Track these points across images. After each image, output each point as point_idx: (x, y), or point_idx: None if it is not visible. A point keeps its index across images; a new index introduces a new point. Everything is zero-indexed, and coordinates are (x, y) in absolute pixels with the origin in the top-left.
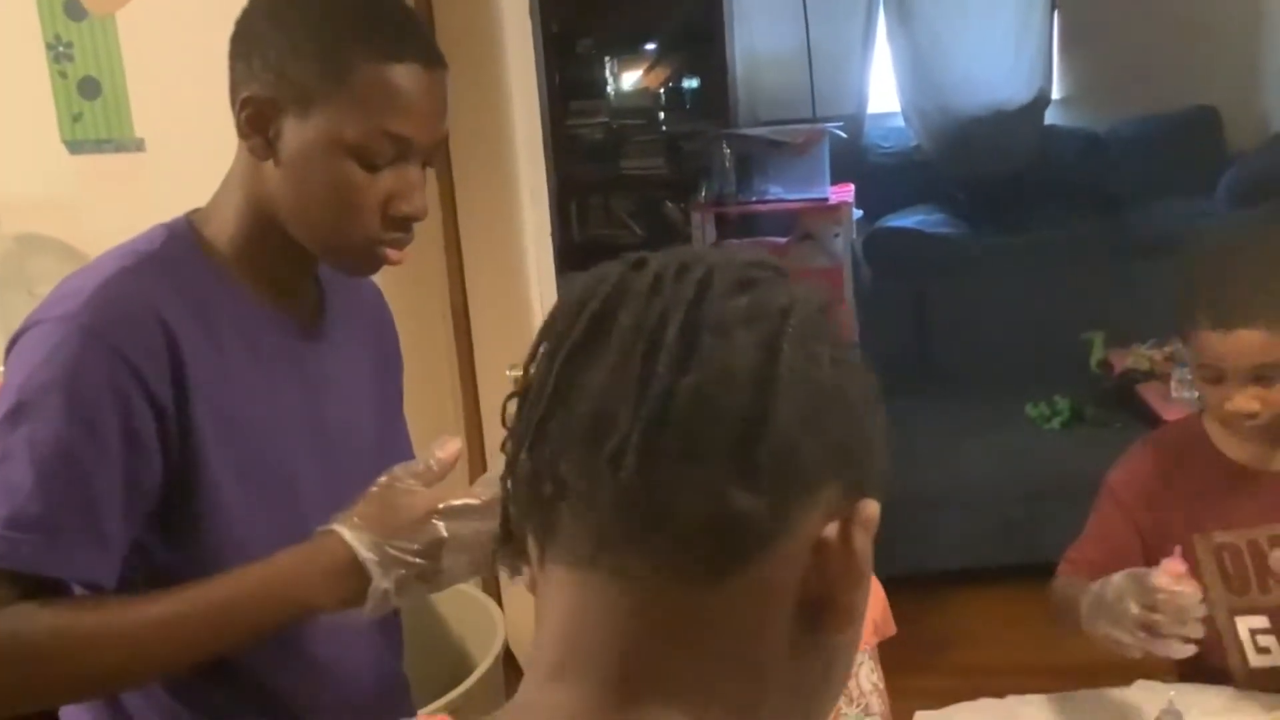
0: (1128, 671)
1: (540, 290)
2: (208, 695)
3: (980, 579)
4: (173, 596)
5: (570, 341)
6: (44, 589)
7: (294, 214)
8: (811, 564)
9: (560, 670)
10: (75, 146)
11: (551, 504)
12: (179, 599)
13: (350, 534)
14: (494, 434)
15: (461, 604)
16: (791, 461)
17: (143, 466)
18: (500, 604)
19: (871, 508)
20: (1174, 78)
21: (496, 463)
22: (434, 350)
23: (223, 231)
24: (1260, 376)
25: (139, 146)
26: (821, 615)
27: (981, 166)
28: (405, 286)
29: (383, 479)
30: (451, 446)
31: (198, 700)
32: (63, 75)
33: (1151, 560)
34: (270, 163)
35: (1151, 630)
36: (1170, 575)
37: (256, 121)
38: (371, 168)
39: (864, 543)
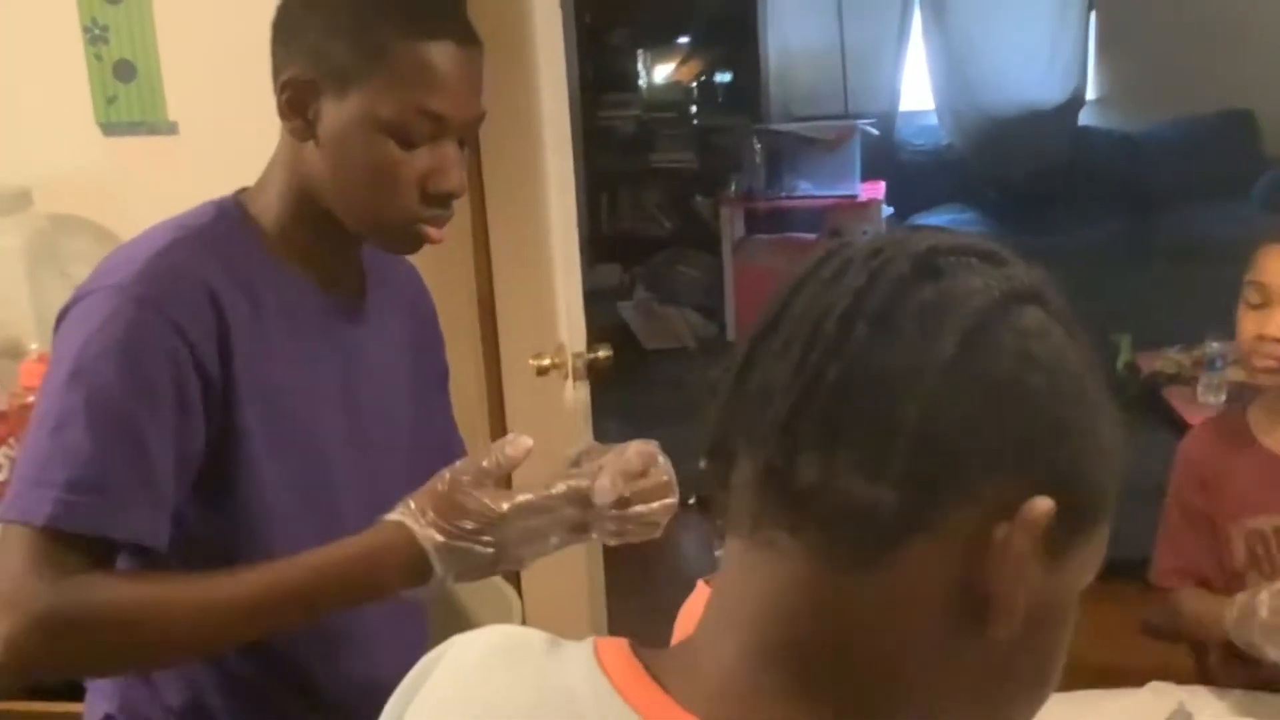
0: (1143, 673)
1: (565, 281)
2: (232, 665)
3: None
4: (254, 576)
5: (759, 323)
6: (102, 552)
7: (335, 193)
8: (968, 561)
9: (720, 623)
10: (109, 129)
11: (726, 475)
12: (261, 579)
13: (417, 528)
14: (515, 421)
15: (479, 589)
16: (933, 459)
17: (191, 433)
18: (519, 590)
19: (1038, 506)
20: (1210, 80)
21: (564, 453)
22: (458, 338)
23: (268, 211)
24: None
25: (172, 130)
26: (981, 615)
27: (1014, 166)
28: (430, 274)
29: (451, 470)
30: (521, 444)
31: (221, 669)
32: (98, 58)
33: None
34: (311, 144)
35: None
36: None
37: (296, 103)
38: (409, 145)
39: (1024, 541)
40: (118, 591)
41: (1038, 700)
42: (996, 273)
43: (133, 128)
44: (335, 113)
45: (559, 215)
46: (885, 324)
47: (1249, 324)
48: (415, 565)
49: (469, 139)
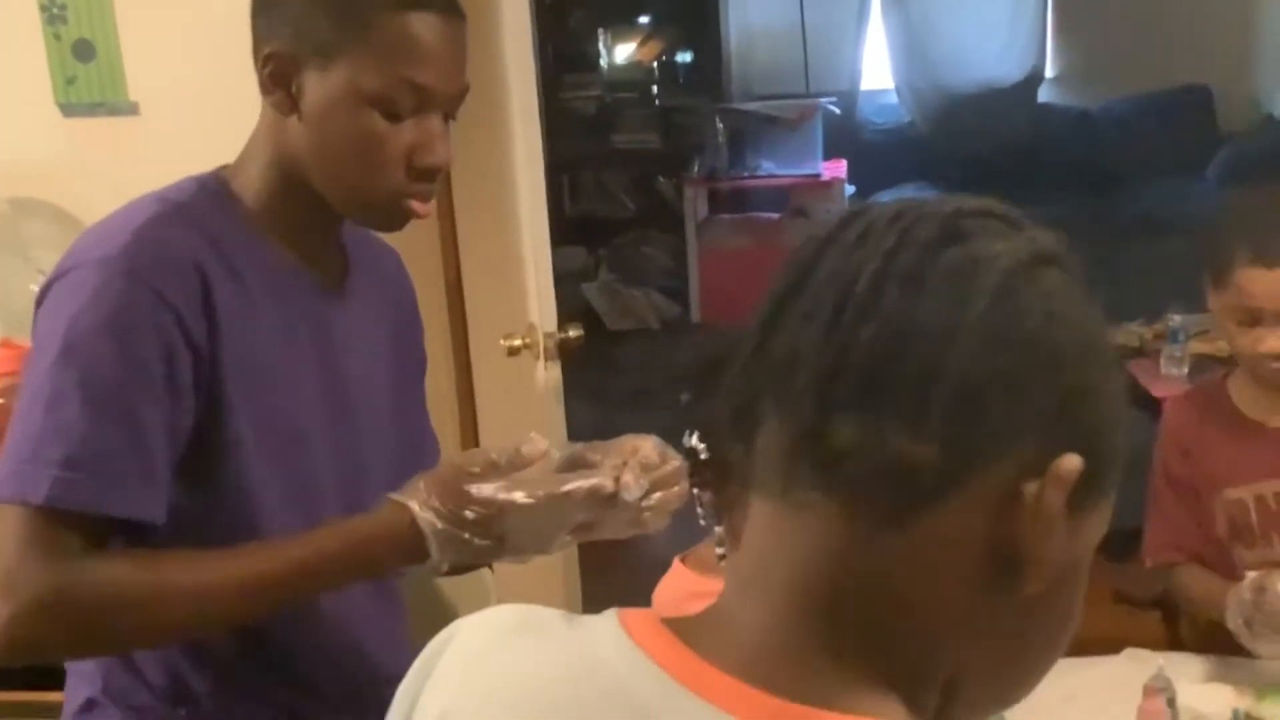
0: (1116, 642)
1: (535, 261)
2: (213, 646)
3: None
4: (251, 555)
5: (780, 287)
6: (99, 531)
7: (319, 168)
8: (1000, 518)
9: (750, 586)
10: (69, 110)
11: (750, 438)
12: (258, 558)
13: (418, 509)
14: (486, 403)
15: None
16: (972, 416)
17: (181, 408)
18: (490, 567)
19: (1068, 463)
20: (1167, 56)
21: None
22: (426, 320)
23: (249, 187)
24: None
25: (133, 110)
26: (1012, 571)
27: (974, 143)
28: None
29: (461, 457)
30: (538, 446)
31: (203, 651)
32: (57, 38)
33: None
34: (294, 118)
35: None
36: None
37: (279, 77)
38: (394, 118)
39: (1055, 497)
40: (119, 572)
41: (1055, 655)
42: (1019, 236)
43: (93, 109)
44: (319, 86)
45: (528, 194)
46: (916, 285)
47: (1244, 341)
48: (412, 546)
49: (453, 113)
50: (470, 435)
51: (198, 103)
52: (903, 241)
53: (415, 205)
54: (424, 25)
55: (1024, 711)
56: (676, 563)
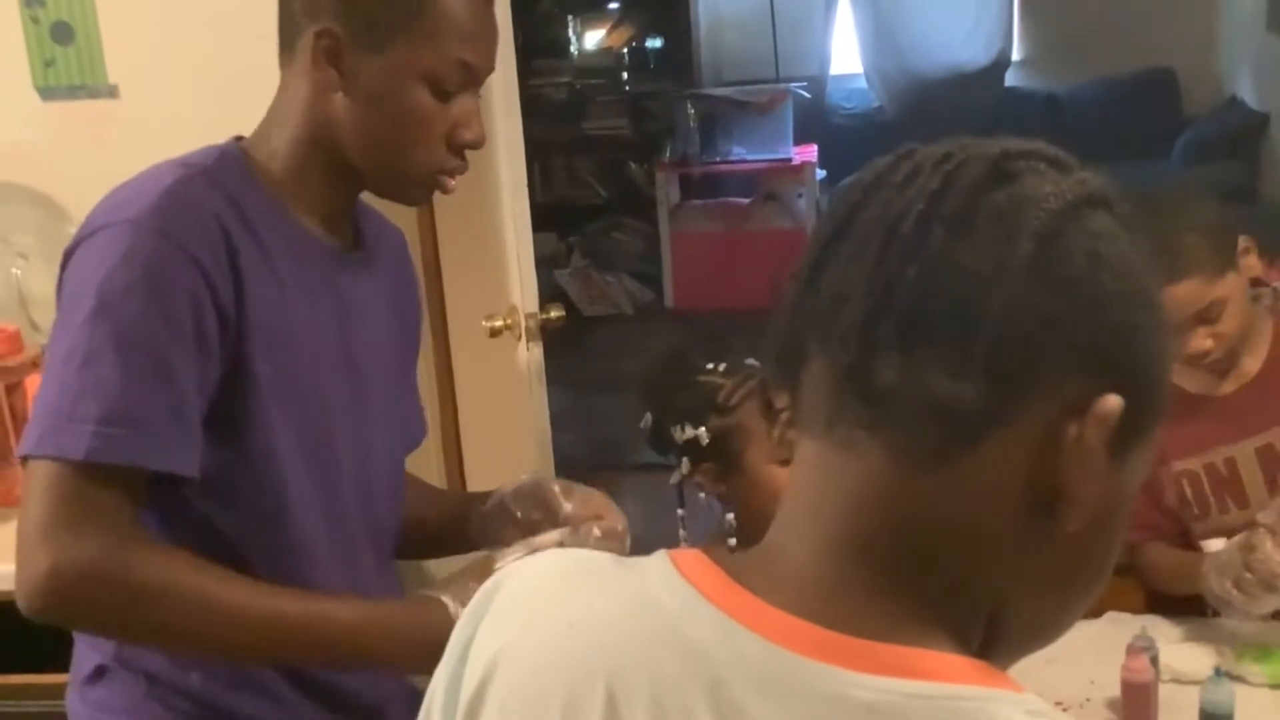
0: (1096, 607)
1: (517, 242)
2: None
3: None
4: (281, 594)
5: (828, 228)
6: (137, 486)
7: (362, 143)
8: (1041, 456)
9: (798, 523)
10: (48, 93)
11: (798, 376)
12: (286, 598)
13: (453, 607)
14: (466, 385)
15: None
16: (1015, 356)
17: (209, 367)
18: None
19: (1109, 403)
20: (1132, 40)
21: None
22: None
23: (274, 158)
24: (1205, 318)
25: (113, 93)
26: (1053, 508)
27: (942, 127)
28: None
29: (503, 553)
30: (610, 525)
31: None
32: (35, 20)
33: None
34: (339, 95)
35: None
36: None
37: (331, 54)
38: (443, 96)
39: (1095, 437)
40: (177, 567)
41: (1096, 591)
42: (1066, 178)
43: (72, 92)
44: (371, 65)
45: (509, 175)
46: (962, 226)
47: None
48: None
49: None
50: (450, 417)
51: (177, 86)
52: (949, 182)
53: (448, 180)
54: (471, 6)
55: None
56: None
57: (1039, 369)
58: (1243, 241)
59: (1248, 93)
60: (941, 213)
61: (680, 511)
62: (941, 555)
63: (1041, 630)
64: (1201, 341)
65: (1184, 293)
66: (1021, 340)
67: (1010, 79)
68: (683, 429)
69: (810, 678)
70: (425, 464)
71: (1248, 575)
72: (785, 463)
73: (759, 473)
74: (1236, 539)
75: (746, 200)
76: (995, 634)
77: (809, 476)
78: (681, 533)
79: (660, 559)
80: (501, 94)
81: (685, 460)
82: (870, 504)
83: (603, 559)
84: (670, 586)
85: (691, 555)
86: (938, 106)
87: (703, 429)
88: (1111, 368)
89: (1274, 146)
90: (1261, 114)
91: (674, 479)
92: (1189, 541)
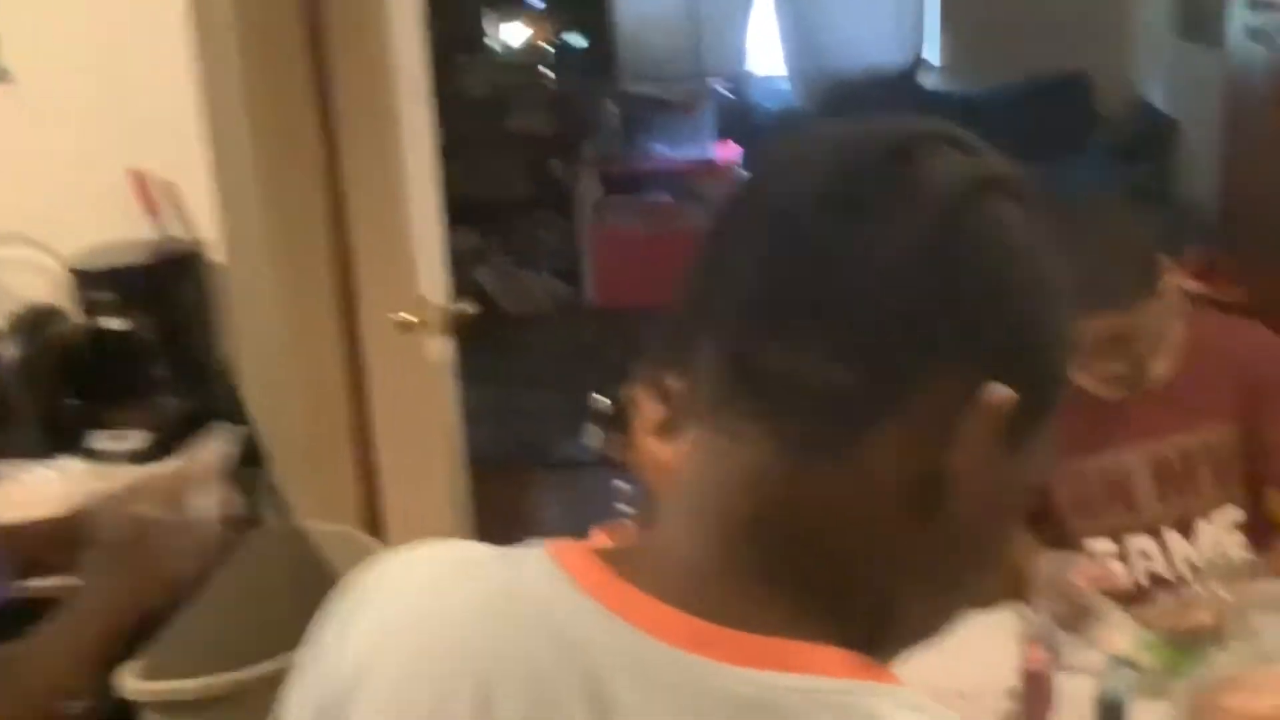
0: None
1: (426, 235)
2: None
3: None
4: None
5: (724, 210)
6: None
7: None
8: (930, 447)
9: (685, 512)
10: None
11: (686, 361)
12: None
13: None
14: (378, 381)
15: (335, 540)
16: (904, 343)
17: None
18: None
19: (997, 392)
20: (1048, 43)
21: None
22: (311, 295)
23: None
24: (1120, 345)
25: (5, 77)
26: (941, 500)
27: None
28: (279, 230)
29: None
30: None
31: None
32: None
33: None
34: None
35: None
36: (1085, 577)
37: None
38: None
39: (985, 428)
40: None
41: (986, 583)
42: (969, 160)
43: None
44: None
45: (416, 166)
46: (856, 208)
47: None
48: None
49: None
50: (359, 411)
51: (71, 70)
52: (846, 163)
53: None
54: None
55: (906, 665)
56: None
57: (927, 358)
58: (1166, 264)
59: (1159, 98)
60: (835, 194)
61: (620, 488)
62: (828, 547)
63: (929, 623)
64: (1113, 365)
65: (1102, 324)
66: (908, 329)
67: (929, 82)
68: (595, 399)
69: (686, 671)
70: (336, 458)
71: (1068, 609)
72: (666, 440)
73: (643, 446)
74: (1044, 573)
75: (668, 198)
76: (882, 626)
77: (696, 464)
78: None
79: (538, 550)
80: (409, 83)
81: (597, 429)
82: (756, 494)
83: (480, 551)
84: (546, 578)
85: (571, 546)
86: (856, 108)
87: (606, 400)
88: (1005, 358)
89: (1184, 151)
90: (1172, 119)
91: (589, 443)
92: (1066, 540)
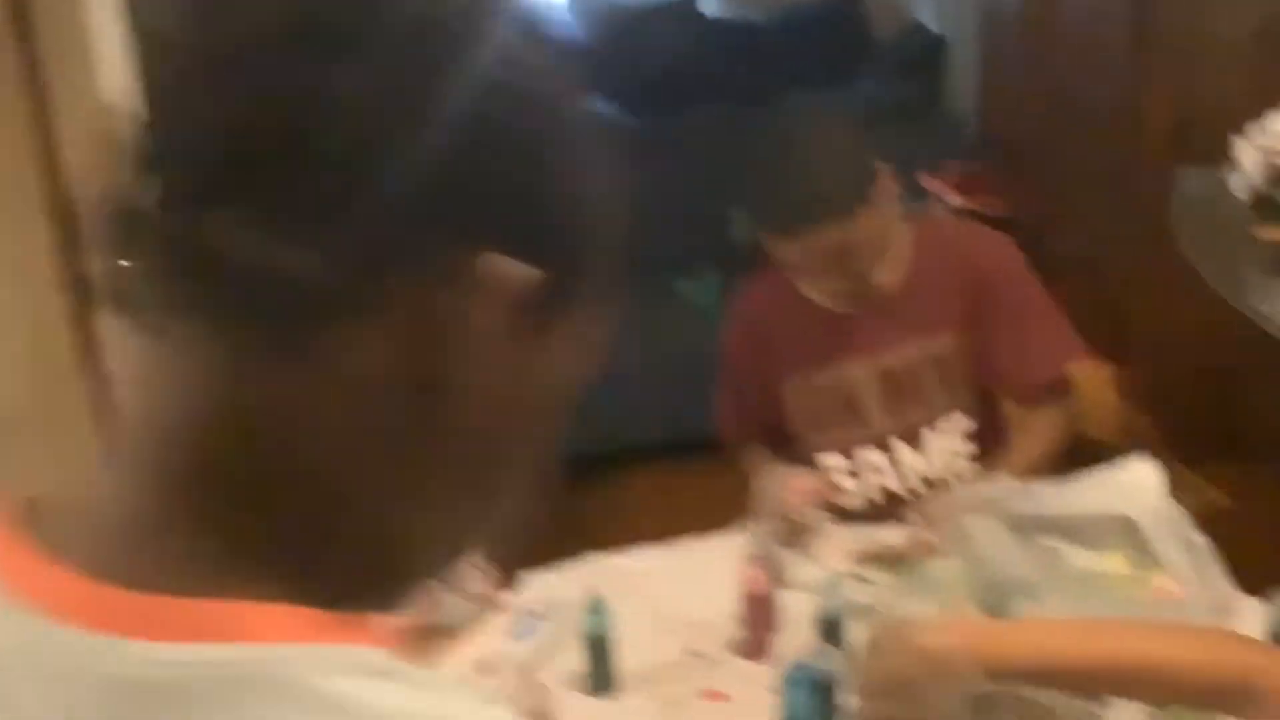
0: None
1: None
2: None
3: (632, 459)
4: None
5: (170, 51)
6: None
7: None
8: (419, 339)
9: (118, 453)
10: None
11: (127, 255)
12: None
13: None
14: (117, 357)
15: None
16: (378, 218)
17: None
18: None
19: (496, 266)
20: None
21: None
22: (29, 260)
23: None
24: (840, 260)
25: None
26: (434, 402)
27: (642, 59)
28: None
29: None
30: None
31: None
32: None
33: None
34: None
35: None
36: (799, 492)
37: None
38: None
39: (484, 316)
40: None
41: (518, 497)
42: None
43: None
44: None
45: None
46: (329, 47)
47: (798, 277)
48: None
49: None
50: (92, 383)
51: None
52: None
53: None
54: None
55: (623, 589)
56: None
57: (408, 236)
58: (880, 169)
59: (929, 17)
60: (301, 29)
61: None
62: (301, 473)
63: (451, 544)
64: (836, 279)
65: (819, 239)
66: (384, 199)
67: (712, 10)
68: None
69: (86, 657)
70: None
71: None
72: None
73: None
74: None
75: None
76: (382, 560)
77: (137, 391)
78: None
79: None
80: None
81: None
82: (206, 414)
83: None
84: None
85: None
86: (639, 38)
87: None
88: (510, 233)
89: (951, 67)
90: (940, 36)
91: None
92: (804, 455)
